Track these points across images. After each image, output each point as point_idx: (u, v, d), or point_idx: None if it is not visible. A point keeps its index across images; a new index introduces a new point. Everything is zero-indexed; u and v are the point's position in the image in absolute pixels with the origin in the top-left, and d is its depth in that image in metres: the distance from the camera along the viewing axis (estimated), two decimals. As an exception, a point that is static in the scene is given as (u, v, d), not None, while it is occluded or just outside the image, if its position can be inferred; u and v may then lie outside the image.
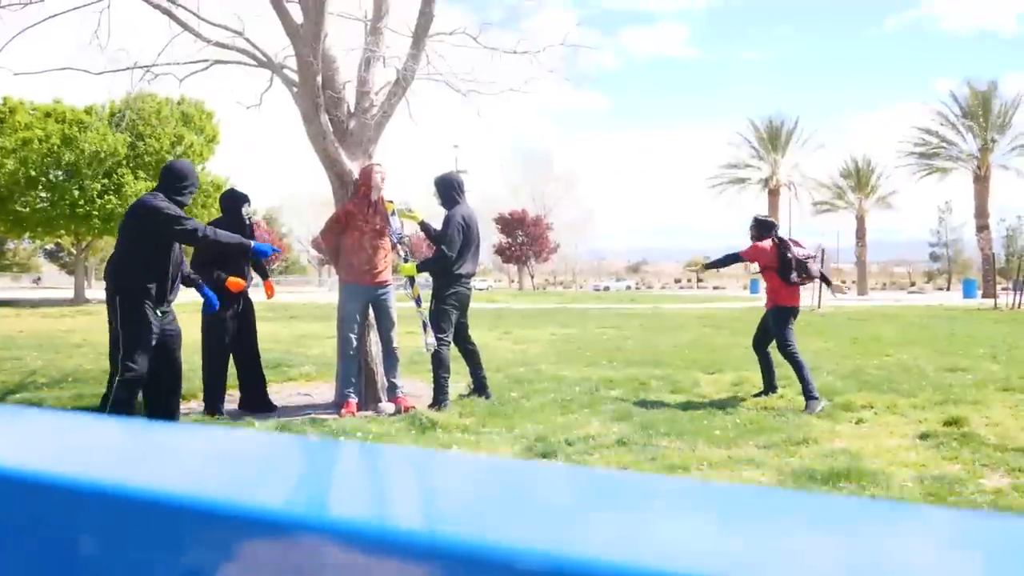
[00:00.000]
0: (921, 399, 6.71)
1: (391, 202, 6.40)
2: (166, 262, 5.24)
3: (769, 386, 6.94)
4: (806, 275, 6.75)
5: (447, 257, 6.43)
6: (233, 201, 6.54)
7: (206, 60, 7.10)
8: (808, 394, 6.34)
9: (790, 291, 6.77)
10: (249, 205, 6.57)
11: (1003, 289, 28.51)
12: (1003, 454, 4.79)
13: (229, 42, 6.89)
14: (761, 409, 6.36)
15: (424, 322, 6.55)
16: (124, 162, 26.12)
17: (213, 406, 6.20)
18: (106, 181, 25.96)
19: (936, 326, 16.25)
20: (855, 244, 49.10)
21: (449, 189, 6.68)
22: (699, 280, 77.99)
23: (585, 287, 77.59)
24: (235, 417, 6.15)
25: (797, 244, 6.89)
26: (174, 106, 27.12)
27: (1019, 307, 22.42)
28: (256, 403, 6.44)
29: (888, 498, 3.89)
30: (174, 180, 5.43)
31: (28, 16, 7.13)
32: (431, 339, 6.46)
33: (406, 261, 6.54)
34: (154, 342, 5.15)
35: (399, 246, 6.48)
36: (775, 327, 6.74)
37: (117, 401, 5.00)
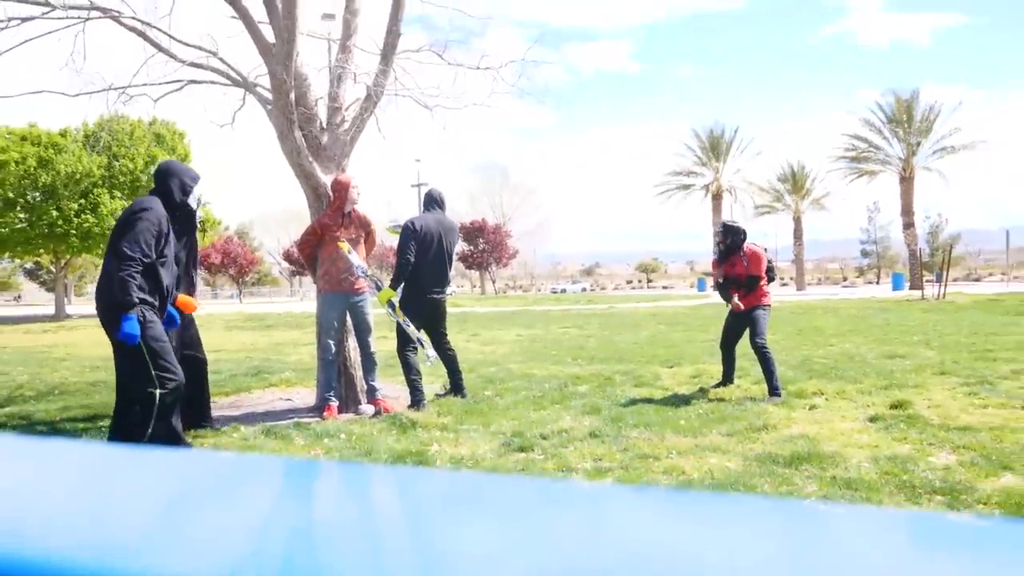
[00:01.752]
0: (867, 385, 6.78)
1: (343, 242, 6.13)
2: (161, 273, 4.57)
3: (728, 378, 6.94)
4: (772, 279, 6.89)
5: (404, 264, 6.24)
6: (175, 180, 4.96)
7: (180, 80, 6.92)
8: (773, 389, 6.34)
9: (767, 291, 6.79)
10: (195, 185, 5.01)
11: (928, 281, 29.19)
12: (947, 433, 4.85)
13: (203, 62, 6.72)
14: (720, 400, 6.36)
15: (419, 341, 6.36)
16: (100, 182, 25.48)
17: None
18: (83, 201, 25.31)
19: (871, 317, 16.55)
20: (792, 243, 49.92)
21: (425, 202, 6.62)
22: (649, 281, 78.57)
23: (543, 290, 77.68)
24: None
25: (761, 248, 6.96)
26: (146, 127, 26.55)
27: (943, 297, 22.96)
28: (196, 419, 5.63)
29: (847, 478, 3.90)
30: (161, 181, 4.79)
31: (2, 41, 6.87)
32: (431, 351, 6.40)
33: (379, 289, 6.28)
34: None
35: (366, 279, 6.27)
36: (762, 323, 6.66)
37: (163, 413, 4.38)
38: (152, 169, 26.35)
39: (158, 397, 4.35)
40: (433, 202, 6.63)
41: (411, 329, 6.25)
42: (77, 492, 0.78)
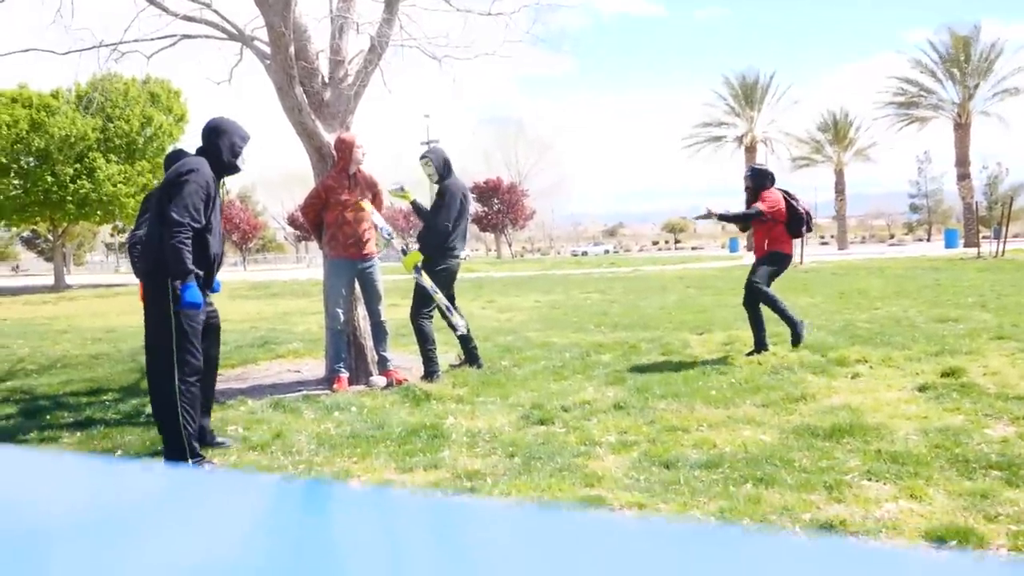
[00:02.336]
0: (916, 351, 6.68)
1: (365, 201, 6.19)
2: (209, 241, 4.44)
3: (760, 344, 6.88)
4: (809, 229, 6.85)
5: (446, 231, 6.32)
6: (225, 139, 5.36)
7: (174, 35, 6.87)
8: (794, 326, 6.70)
9: (791, 242, 6.79)
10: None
11: (985, 238, 28.72)
12: (1005, 403, 4.76)
13: (196, 15, 6.66)
14: (755, 367, 6.31)
15: (447, 306, 6.40)
16: (95, 146, 25.63)
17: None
18: (78, 166, 25.52)
19: (921, 277, 16.32)
20: (834, 198, 49.22)
21: (446, 161, 6.54)
22: (677, 241, 78.10)
23: (563, 253, 77.53)
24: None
25: (793, 197, 6.87)
26: (140, 86, 26.57)
27: (1002, 255, 22.57)
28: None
29: (893, 452, 3.85)
30: (209, 139, 4.50)
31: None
32: (458, 320, 6.43)
33: (404, 254, 6.30)
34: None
35: (393, 242, 6.33)
36: (764, 267, 6.73)
37: (187, 400, 4.20)
38: (148, 131, 26.44)
39: (177, 386, 4.21)
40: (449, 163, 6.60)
41: (440, 296, 6.28)
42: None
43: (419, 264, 6.26)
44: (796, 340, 6.81)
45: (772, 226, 6.80)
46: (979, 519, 3.02)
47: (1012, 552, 2.75)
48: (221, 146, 4.46)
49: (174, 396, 4.18)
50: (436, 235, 6.35)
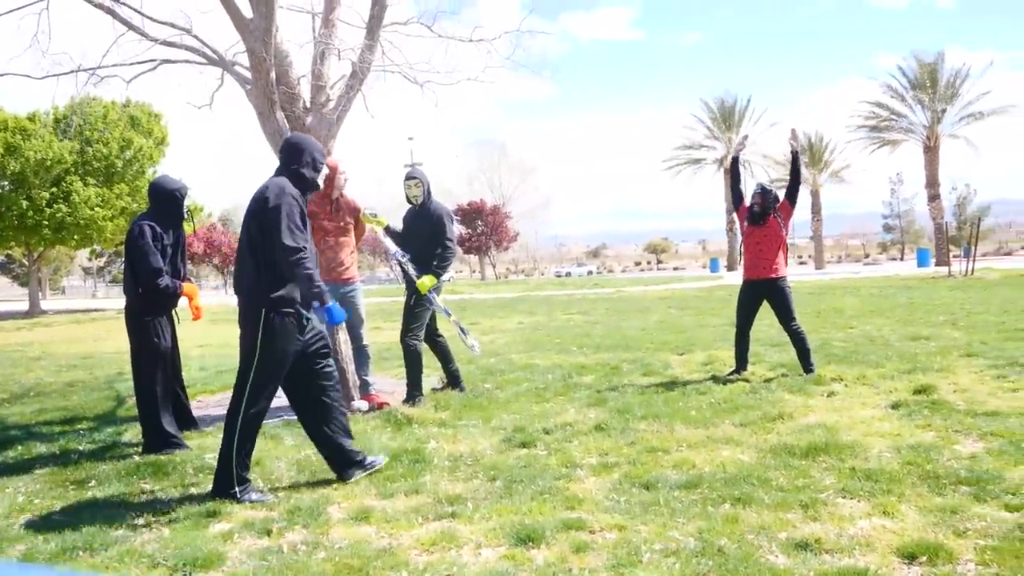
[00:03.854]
0: (889, 369, 6.80)
1: (377, 222, 6.37)
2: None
3: (743, 366, 6.94)
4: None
5: (454, 252, 6.50)
6: (170, 192, 5.42)
7: (153, 60, 6.89)
8: (811, 366, 6.74)
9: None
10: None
11: (955, 256, 29.15)
12: (973, 419, 4.87)
13: (177, 40, 6.69)
14: (733, 387, 6.38)
15: (461, 328, 6.62)
16: (72, 169, 25.44)
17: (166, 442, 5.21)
18: (55, 190, 25.28)
19: (895, 296, 16.55)
20: (811, 219, 49.83)
21: (429, 189, 6.60)
22: (659, 262, 78.54)
23: (547, 274, 77.64)
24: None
25: None
26: (120, 109, 26.47)
27: (972, 273, 22.94)
28: (188, 420, 5.76)
29: (867, 470, 3.92)
30: (291, 157, 4.35)
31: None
32: (472, 341, 6.63)
33: (418, 278, 6.27)
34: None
35: (407, 265, 6.35)
36: (790, 297, 6.84)
37: (246, 434, 4.16)
38: (127, 154, 26.27)
39: (241, 418, 4.13)
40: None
41: (455, 317, 6.51)
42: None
43: (434, 288, 6.33)
44: (810, 373, 6.74)
45: (782, 245, 6.90)
46: (949, 535, 3.09)
47: (980, 567, 2.81)
48: (303, 163, 4.32)
49: (234, 427, 4.13)
50: (446, 259, 6.43)
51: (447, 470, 4.40)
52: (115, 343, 13.88)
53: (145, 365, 5.28)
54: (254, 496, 4.07)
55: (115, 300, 43.27)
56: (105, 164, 25.89)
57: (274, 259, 4.11)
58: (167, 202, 5.41)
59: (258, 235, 4.14)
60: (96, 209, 25.68)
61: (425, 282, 6.24)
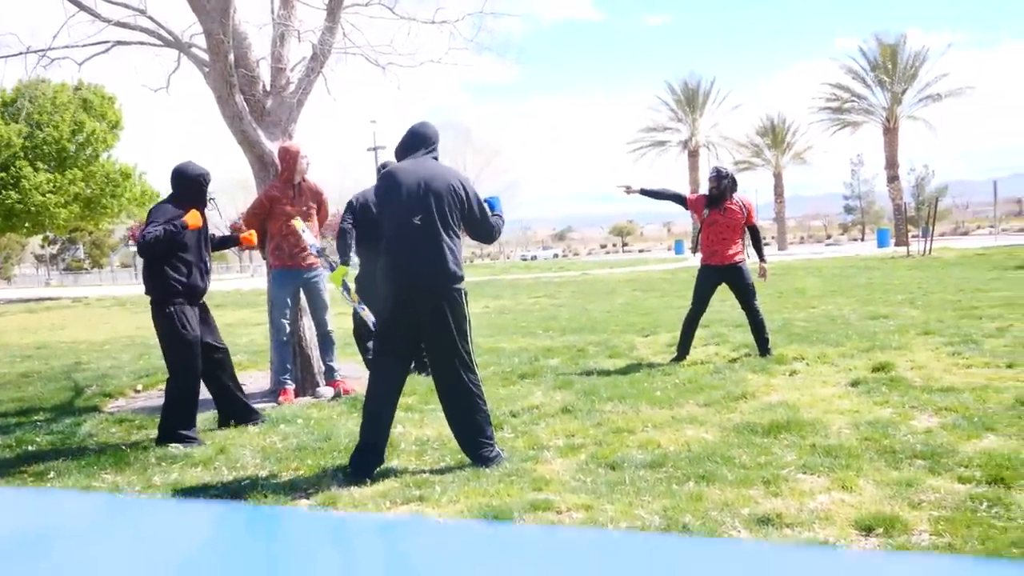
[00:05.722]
0: (849, 347, 6.96)
1: (297, 220, 6.03)
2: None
3: (685, 353, 6.97)
4: None
5: (343, 232, 6.35)
6: (194, 178, 5.25)
7: (107, 41, 6.75)
8: (767, 348, 6.82)
9: None
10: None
11: (914, 237, 29.76)
12: (929, 395, 5.02)
13: (131, 21, 6.56)
14: (697, 367, 6.49)
15: (373, 322, 6.37)
16: (21, 154, 24.82)
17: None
18: (3, 175, 24.67)
19: (855, 276, 16.88)
20: (773, 200, 50.43)
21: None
22: (624, 244, 79.00)
23: (513, 257, 77.68)
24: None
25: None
26: (71, 92, 25.85)
27: (930, 253, 23.45)
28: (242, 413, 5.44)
29: (827, 446, 4.03)
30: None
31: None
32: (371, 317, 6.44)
33: (332, 269, 6.10)
34: None
35: (321, 258, 6.20)
36: (750, 280, 6.92)
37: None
38: (79, 138, 25.68)
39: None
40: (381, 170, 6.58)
41: (367, 312, 6.20)
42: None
43: (345, 281, 6.08)
44: (767, 354, 6.83)
45: (740, 230, 6.96)
46: (904, 507, 3.20)
47: (933, 537, 2.92)
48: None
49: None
50: (340, 244, 6.42)
51: (414, 454, 4.44)
52: (71, 332, 13.64)
53: (170, 356, 5.09)
54: None
55: (69, 288, 42.39)
56: (56, 148, 25.32)
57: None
58: (190, 188, 5.21)
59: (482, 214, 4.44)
60: (48, 195, 25.12)
61: (335, 273, 5.99)
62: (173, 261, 5.02)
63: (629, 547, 0.69)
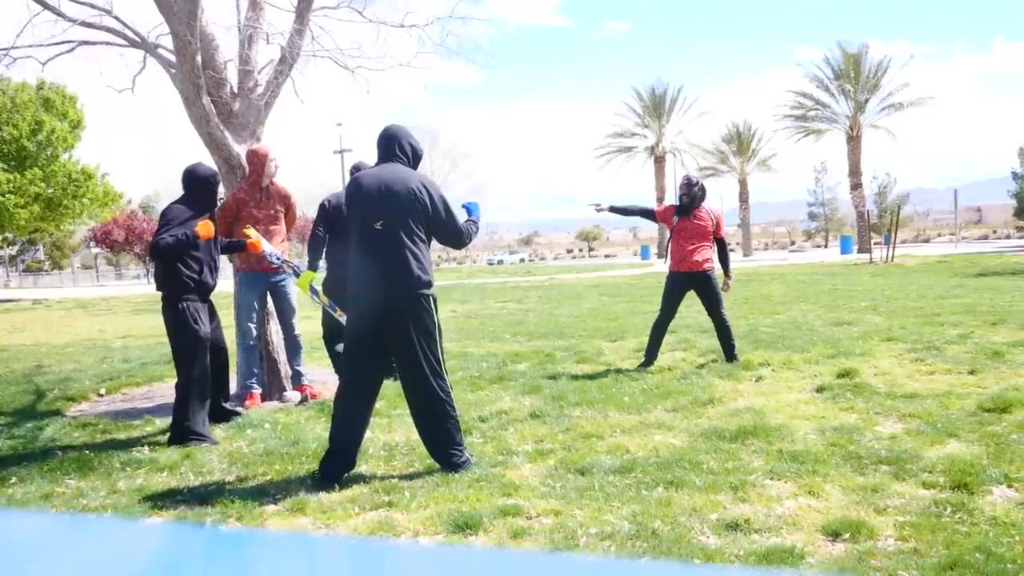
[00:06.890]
0: (814, 354, 7.05)
1: (249, 229, 5.87)
2: None
3: (652, 359, 6.99)
4: None
5: (315, 239, 6.27)
6: (204, 179, 5.33)
7: (71, 41, 6.63)
8: (734, 355, 6.86)
9: None
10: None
11: (876, 244, 30.29)
12: (893, 401, 5.10)
13: (96, 21, 6.45)
14: (665, 373, 6.53)
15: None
16: (-20, 152, 24.28)
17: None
18: (-39, 174, 24.11)
19: (819, 282, 17.12)
20: (738, 206, 50.98)
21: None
22: (591, 249, 79.33)
23: (479, 261, 77.66)
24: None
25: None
26: (32, 91, 25.36)
27: (892, 260, 23.88)
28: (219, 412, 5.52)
29: (794, 451, 4.08)
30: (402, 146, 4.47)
31: None
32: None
33: (297, 275, 5.91)
34: None
35: (284, 265, 6.04)
36: (718, 288, 6.94)
37: None
38: (39, 137, 25.20)
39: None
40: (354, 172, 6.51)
41: (341, 316, 6.10)
42: None
43: (313, 286, 5.89)
44: (734, 360, 6.88)
45: (709, 239, 6.98)
46: (870, 512, 3.25)
47: (899, 542, 2.96)
48: (413, 150, 4.47)
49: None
50: (311, 249, 6.39)
51: (383, 459, 4.41)
52: (32, 335, 13.35)
53: (181, 352, 5.08)
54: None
55: (29, 290, 41.51)
56: (15, 148, 24.81)
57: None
58: (200, 189, 5.27)
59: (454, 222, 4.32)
60: (8, 196, 24.59)
61: (302, 279, 5.81)
62: (185, 259, 5.11)
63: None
